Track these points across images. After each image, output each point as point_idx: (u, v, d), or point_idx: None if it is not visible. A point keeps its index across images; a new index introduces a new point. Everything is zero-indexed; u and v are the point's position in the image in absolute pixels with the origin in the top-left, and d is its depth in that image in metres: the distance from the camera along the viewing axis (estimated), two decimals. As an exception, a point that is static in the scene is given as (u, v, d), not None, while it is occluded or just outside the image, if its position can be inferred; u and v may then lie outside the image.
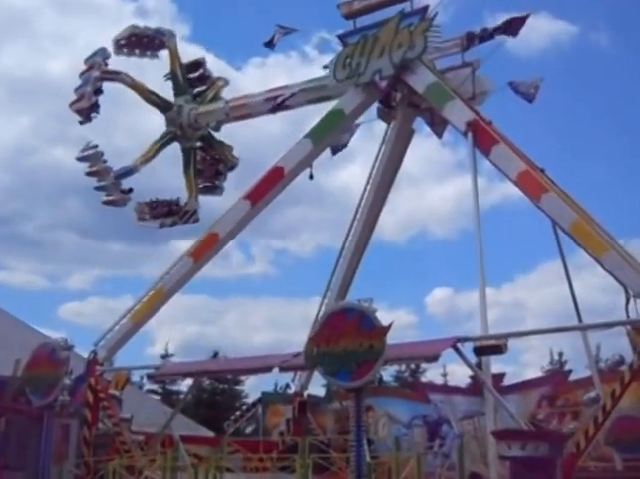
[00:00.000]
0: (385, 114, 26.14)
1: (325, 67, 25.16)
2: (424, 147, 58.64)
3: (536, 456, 14.15)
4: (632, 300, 18.59)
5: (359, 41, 24.25)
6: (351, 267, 26.82)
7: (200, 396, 49.22)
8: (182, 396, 42.64)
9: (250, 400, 38.24)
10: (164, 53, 29.25)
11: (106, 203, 27.67)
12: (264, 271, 76.68)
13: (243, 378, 48.11)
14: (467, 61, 24.46)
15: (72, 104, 27.65)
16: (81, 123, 27.83)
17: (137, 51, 28.94)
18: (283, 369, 20.14)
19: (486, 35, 24.40)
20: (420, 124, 26.44)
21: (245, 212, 24.72)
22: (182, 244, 67.00)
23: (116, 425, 22.36)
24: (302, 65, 75.56)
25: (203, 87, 29.45)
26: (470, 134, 21.61)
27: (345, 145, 27.88)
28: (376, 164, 26.38)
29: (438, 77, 23.30)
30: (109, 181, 27.09)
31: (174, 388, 49.69)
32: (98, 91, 27.61)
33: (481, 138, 21.49)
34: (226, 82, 29.69)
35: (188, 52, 70.88)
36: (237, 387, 51.36)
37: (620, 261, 18.39)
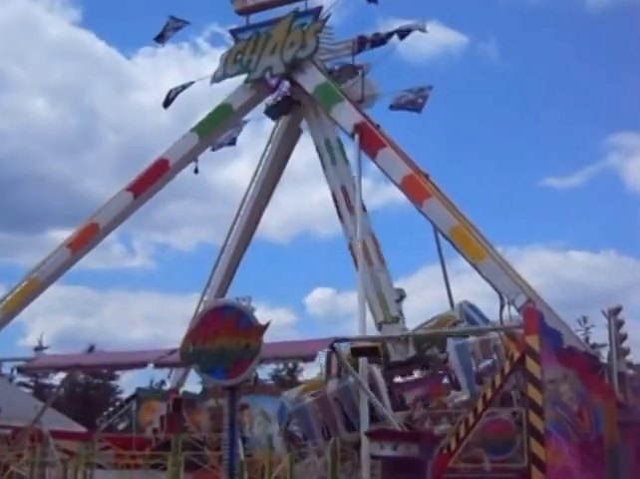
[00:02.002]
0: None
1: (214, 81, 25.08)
2: (311, 146, 58.80)
3: (407, 456, 14.33)
4: (506, 307, 19.10)
5: (251, 37, 24.21)
6: (232, 265, 26.68)
7: (73, 390, 48.06)
8: (54, 390, 41.49)
9: (125, 396, 37.62)
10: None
11: None
12: (144, 265, 75.47)
13: (118, 373, 47.18)
14: (357, 64, 24.67)
15: None
16: None
17: None
18: (158, 365, 19.83)
19: (378, 40, 24.68)
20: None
21: (127, 203, 24.24)
22: (61, 234, 65.39)
23: (-18, 418, 21.59)
24: (194, 57, 74.80)
25: None
26: (357, 136, 21.80)
27: (232, 143, 27.63)
28: (262, 161, 26.32)
29: (328, 78, 23.40)
30: None
31: (47, 381, 48.32)
32: None
33: (368, 141, 21.72)
34: None
35: (78, 37, 69.39)
36: (112, 382, 50.37)
37: (496, 268, 18.86)
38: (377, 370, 19.48)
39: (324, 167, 24.49)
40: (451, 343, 19.36)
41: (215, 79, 24.83)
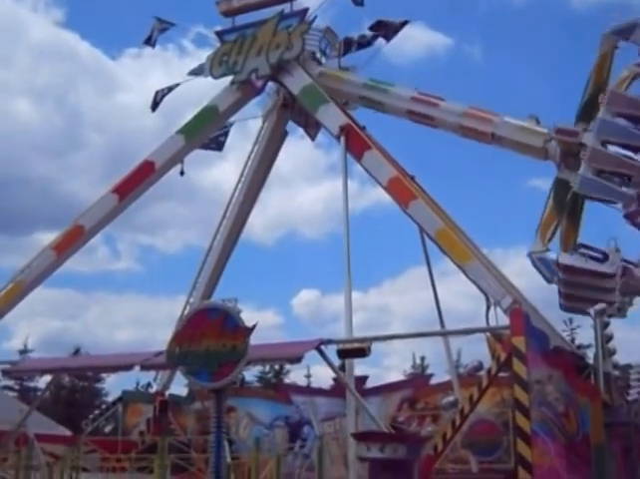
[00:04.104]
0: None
1: (191, 74, 25.01)
2: (297, 148, 58.77)
3: (394, 458, 14.31)
4: (492, 308, 19.15)
5: (237, 39, 24.18)
6: (218, 266, 26.60)
7: (59, 393, 47.82)
8: (40, 393, 41.26)
9: (110, 398, 37.47)
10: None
11: None
12: (129, 267, 75.06)
13: (104, 376, 47.04)
14: (343, 66, 24.69)
15: None
16: None
17: None
18: (144, 368, 19.80)
19: (364, 42, 24.70)
20: (294, 125, 26.54)
21: (112, 206, 24.18)
22: (45, 236, 64.99)
23: (-34, 422, 21.48)
24: (179, 58, 74.55)
25: None
26: (342, 138, 21.81)
27: (219, 148, 27.54)
28: (248, 163, 26.26)
29: (314, 80, 23.39)
30: None
31: (32, 385, 48.08)
32: None
33: (354, 143, 21.73)
34: None
35: (62, 37, 69.09)
36: (97, 385, 50.14)
37: (482, 270, 18.90)
38: None
39: None
40: None
41: (194, 71, 24.84)
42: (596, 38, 18.92)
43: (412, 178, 22.57)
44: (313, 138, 26.51)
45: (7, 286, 24.11)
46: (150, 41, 26.73)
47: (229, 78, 24.36)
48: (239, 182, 26.40)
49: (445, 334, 22.50)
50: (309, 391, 26.74)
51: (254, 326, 13.88)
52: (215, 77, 24.54)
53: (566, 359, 17.03)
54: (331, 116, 22.61)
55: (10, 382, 47.01)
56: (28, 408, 24.33)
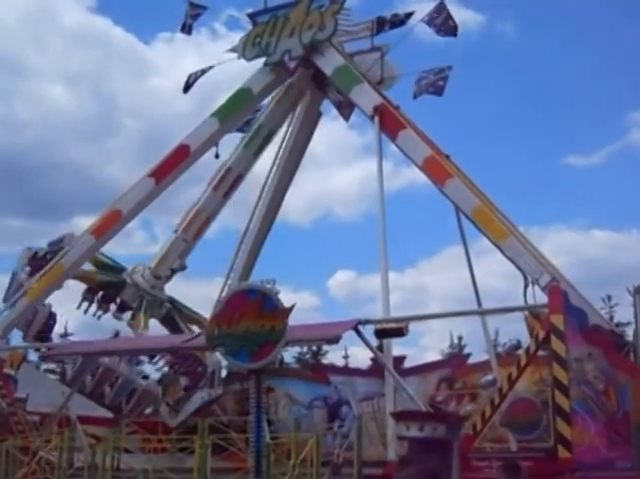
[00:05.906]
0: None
1: (231, 50, 24.97)
2: (331, 129, 58.53)
3: (434, 437, 14.31)
4: (530, 286, 19.05)
5: (269, 20, 24.11)
6: (255, 249, 26.74)
7: (99, 376, 48.31)
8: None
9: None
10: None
11: None
12: (167, 251, 75.39)
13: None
14: (376, 45, 24.57)
15: None
16: None
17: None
18: (184, 349, 19.95)
19: (397, 21, 24.52)
20: (327, 106, 26.53)
21: (149, 190, 24.33)
22: (84, 221, 65.57)
23: (10, 405, 21.80)
24: (212, 42, 74.56)
25: None
26: (377, 118, 21.75)
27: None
28: (283, 145, 26.31)
29: (347, 60, 23.34)
30: None
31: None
32: None
33: (388, 122, 21.65)
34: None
35: (95, 23, 69.34)
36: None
37: (520, 248, 18.82)
38: None
39: (240, 142, 25.98)
40: None
41: (234, 50, 24.80)
42: (632, 10, 18.57)
43: (447, 156, 22.45)
44: (347, 118, 26.46)
45: (47, 270, 24.40)
46: (184, 28, 26.76)
47: (262, 60, 24.34)
48: (274, 164, 26.48)
49: (482, 313, 22.40)
50: (347, 371, 26.79)
51: (293, 307, 13.91)
52: (248, 59, 24.51)
53: (606, 337, 16.93)
54: (365, 96, 22.54)
55: (52, 366, 47.70)
56: (70, 391, 24.65)
